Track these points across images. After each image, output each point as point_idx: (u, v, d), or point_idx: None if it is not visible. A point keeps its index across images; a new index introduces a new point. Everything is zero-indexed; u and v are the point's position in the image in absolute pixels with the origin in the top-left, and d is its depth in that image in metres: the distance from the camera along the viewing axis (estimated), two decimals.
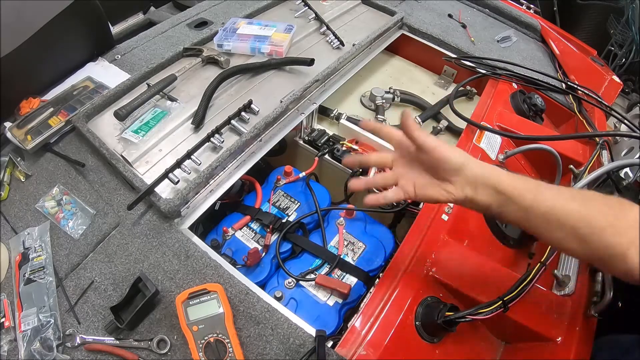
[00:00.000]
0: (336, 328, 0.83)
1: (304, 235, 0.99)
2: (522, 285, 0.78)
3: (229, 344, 0.70)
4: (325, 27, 1.38)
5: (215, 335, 0.71)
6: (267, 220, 0.98)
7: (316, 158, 1.12)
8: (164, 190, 0.90)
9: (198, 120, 1.03)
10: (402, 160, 0.70)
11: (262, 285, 0.90)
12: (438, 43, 1.47)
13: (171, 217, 0.88)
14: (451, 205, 0.94)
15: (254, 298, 0.77)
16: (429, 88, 1.49)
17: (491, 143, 1.11)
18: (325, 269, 0.91)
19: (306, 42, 1.35)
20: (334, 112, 1.24)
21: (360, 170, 1.09)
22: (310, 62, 1.19)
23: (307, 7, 1.43)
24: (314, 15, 1.41)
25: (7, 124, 1.02)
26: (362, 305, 0.79)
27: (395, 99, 1.38)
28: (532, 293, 0.78)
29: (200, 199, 0.93)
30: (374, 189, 0.73)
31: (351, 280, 0.90)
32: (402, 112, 0.66)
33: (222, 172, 0.97)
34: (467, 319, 0.73)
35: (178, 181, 0.90)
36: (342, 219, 1.00)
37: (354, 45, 1.33)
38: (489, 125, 1.13)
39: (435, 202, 0.68)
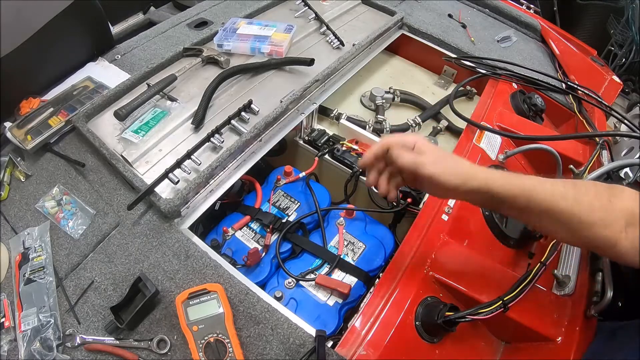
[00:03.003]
0: (336, 328, 0.83)
1: (304, 235, 0.99)
2: (522, 285, 0.78)
3: (229, 344, 0.70)
4: (325, 27, 1.38)
5: (215, 335, 0.71)
6: (267, 220, 0.98)
7: (316, 158, 1.12)
8: (164, 190, 0.90)
9: (198, 120, 1.03)
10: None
11: (262, 285, 0.90)
12: (438, 43, 1.47)
13: (171, 217, 0.88)
14: (451, 205, 0.94)
15: (254, 298, 0.77)
16: (429, 88, 1.49)
17: (491, 143, 1.11)
18: (325, 269, 0.91)
19: (306, 42, 1.35)
20: (334, 112, 1.24)
21: (360, 170, 1.09)
22: (310, 62, 1.19)
23: (307, 7, 1.43)
24: (314, 15, 1.41)
25: (7, 124, 1.02)
26: (362, 305, 0.79)
27: (395, 99, 1.38)
28: (532, 293, 0.78)
29: (200, 199, 0.93)
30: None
31: (351, 280, 0.90)
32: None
33: (222, 172, 0.97)
34: (467, 319, 0.73)
35: (178, 181, 0.90)
36: (342, 219, 1.00)
37: (354, 45, 1.33)
38: (489, 125, 1.13)
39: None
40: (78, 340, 0.74)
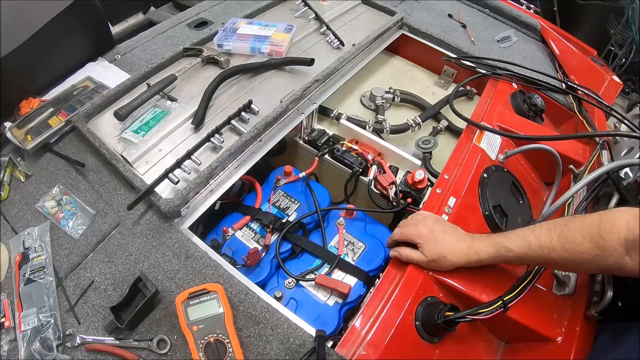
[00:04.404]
0: (336, 328, 0.83)
1: (304, 235, 0.99)
2: (522, 285, 0.78)
3: (229, 344, 0.70)
4: (325, 27, 1.38)
5: (215, 335, 0.71)
6: (267, 220, 0.98)
7: (316, 158, 1.12)
8: (164, 190, 0.90)
9: (198, 120, 1.03)
10: None
11: (262, 285, 0.90)
12: (438, 43, 1.47)
13: (171, 217, 0.88)
14: (451, 205, 0.94)
15: (254, 298, 0.77)
16: (429, 88, 1.49)
17: (491, 143, 1.11)
18: (325, 269, 0.91)
19: (306, 42, 1.35)
20: (334, 112, 1.24)
21: (360, 170, 1.09)
22: (310, 62, 1.19)
23: (307, 7, 1.43)
24: (314, 15, 1.41)
25: (7, 124, 1.02)
26: (362, 305, 0.79)
27: (395, 99, 1.38)
28: (532, 293, 0.78)
29: (200, 199, 0.93)
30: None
31: (351, 280, 0.90)
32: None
33: (222, 172, 0.97)
34: (467, 319, 0.73)
35: (178, 181, 0.90)
36: (342, 219, 1.00)
37: (354, 45, 1.33)
38: (489, 125, 1.13)
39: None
40: (78, 340, 0.74)
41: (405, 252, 0.82)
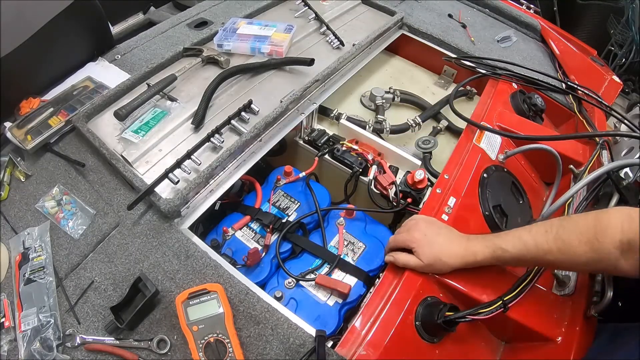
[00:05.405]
0: (336, 328, 0.83)
1: (304, 235, 0.99)
2: (522, 285, 0.78)
3: (229, 344, 0.70)
4: (325, 27, 1.38)
5: (215, 335, 0.71)
6: (267, 220, 0.98)
7: (316, 158, 1.12)
8: (164, 190, 0.90)
9: (198, 120, 1.03)
10: None
11: (262, 285, 0.90)
12: (438, 43, 1.47)
13: (171, 217, 0.88)
14: (451, 205, 0.94)
15: (254, 298, 0.77)
16: (429, 88, 1.49)
17: (491, 143, 1.11)
18: (325, 269, 0.91)
19: (306, 42, 1.35)
20: (334, 112, 1.24)
21: (360, 170, 1.09)
22: (310, 62, 1.19)
23: (307, 7, 1.43)
24: (314, 15, 1.41)
25: (7, 124, 1.02)
26: (362, 305, 0.79)
27: (395, 99, 1.38)
28: (532, 293, 0.78)
29: (200, 199, 0.93)
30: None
31: (351, 280, 0.90)
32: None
33: (222, 172, 0.97)
34: (467, 319, 0.73)
35: (178, 181, 0.90)
36: (342, 219, 1.00)
37: (354, 45, 1.33)
38: (489, 125, 1.13)
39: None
40: (78, 340, 0.74)
41: (401, 258, 0.82)
